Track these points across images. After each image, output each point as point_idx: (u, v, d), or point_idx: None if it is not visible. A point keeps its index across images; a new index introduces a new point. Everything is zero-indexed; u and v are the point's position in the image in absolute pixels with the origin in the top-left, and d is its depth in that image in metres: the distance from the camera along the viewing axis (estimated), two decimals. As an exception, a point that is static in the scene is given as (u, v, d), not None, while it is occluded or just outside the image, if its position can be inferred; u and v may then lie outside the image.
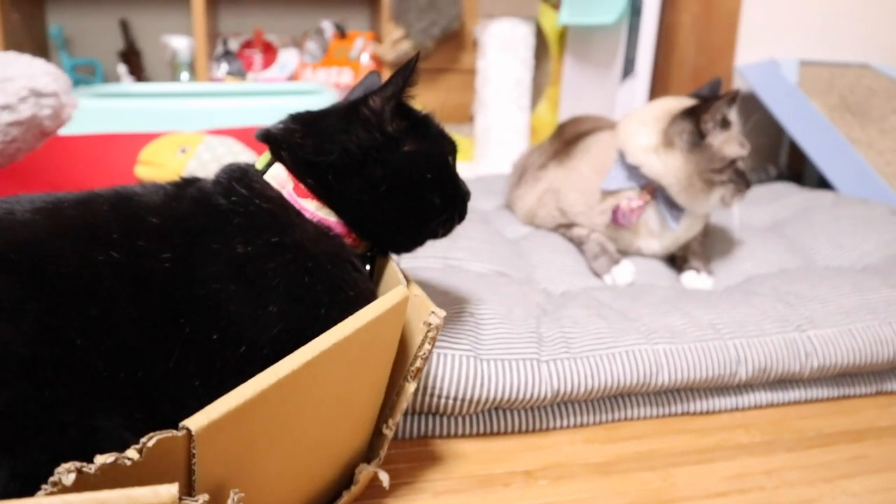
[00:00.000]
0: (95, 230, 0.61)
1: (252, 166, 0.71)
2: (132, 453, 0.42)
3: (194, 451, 0.44)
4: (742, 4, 2.13)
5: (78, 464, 0.41)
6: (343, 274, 0.66)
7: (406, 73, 0.68)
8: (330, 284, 0.64)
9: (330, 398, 0.60)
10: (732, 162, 1.14)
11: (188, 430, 0.44)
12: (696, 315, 0.99)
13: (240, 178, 0.68)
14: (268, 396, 0.49)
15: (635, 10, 2.05)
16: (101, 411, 0.54)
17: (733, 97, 1.13)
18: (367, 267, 0.73)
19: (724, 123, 1.15)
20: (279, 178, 0.68)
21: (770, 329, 0.98)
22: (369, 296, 0.68)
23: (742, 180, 1.16)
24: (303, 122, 0.70)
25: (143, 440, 0.43)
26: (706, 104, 1.13)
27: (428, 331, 0.66)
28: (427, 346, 0.67)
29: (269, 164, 0.70)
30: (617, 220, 1.21)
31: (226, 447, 0.48)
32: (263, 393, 0.48)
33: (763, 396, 0.98)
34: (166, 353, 0.58)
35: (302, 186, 0.68)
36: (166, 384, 0.58)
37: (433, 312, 0.66)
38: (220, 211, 0.65)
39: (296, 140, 0.69)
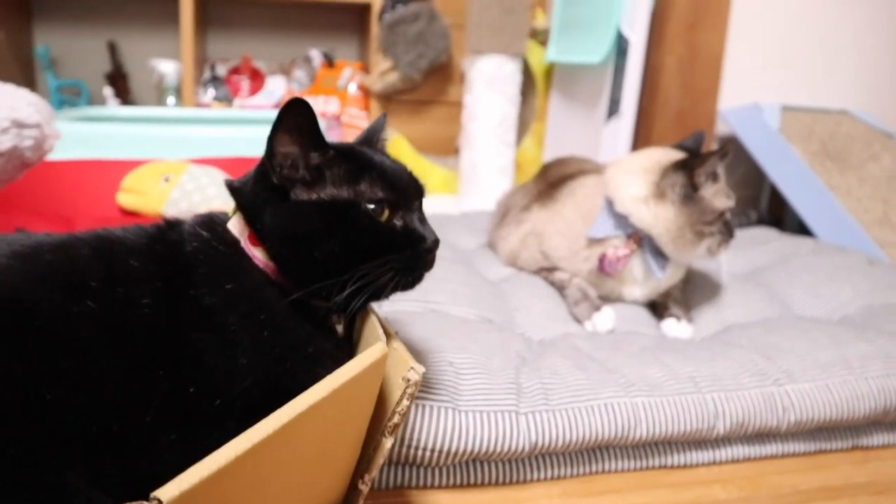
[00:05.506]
0: (73, 277, 0.60)
1: (221, 215, 0.72)
2: (100, 525, 0.41)
3: (164, 522, 0.44)
4: (726, 48, 2.17)
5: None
6: (297, 328, 0.66)
7: (277, 121, 0.65)
8: (289, 340, 0.65)
9: (306, 457, 0.59)
10: (722, 214, 1.16)
11: (159, 501, 0.43)
12: (675, 367, 0.99)
13: (203, 223, 0.70)
14: (242, 462, 0.48)
15: (621, 51, 2.07)
16: (71, 468, 0.54)
17: (725, 153, 1.14)
18: (336, 322, 0.73)
19: (714, 176, 1.16)
20: (237, 226, 0.70)
21: (748, 383, 0.98)
22: (330, 349, 0.68)
23: (728, 231, 1.18)
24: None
25: (112, 512, 0.42)
26: (700, 159, 1.15)
27: (406, 387, 0.66)
28: (405, 402, 0.66)
29: (234, 213, 0.71)
30: (603, 268, 1.21)
31: (197, 515, 0.47)
32: (238, 459, 0.47)
33: (740, 450, 0.99)
34: (143, 407, 0.57)
35: (254, 235, 0.68)
36: (142, 439, 0.57)
37: (412, 368, 0.65)
38: (190, 257, 0.66)
39: (243, 189, 0.70)
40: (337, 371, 0.58)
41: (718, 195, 1.16)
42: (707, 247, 1.18)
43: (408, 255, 0.69)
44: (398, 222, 0.70)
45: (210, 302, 0.63)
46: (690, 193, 1.16)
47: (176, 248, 0.67)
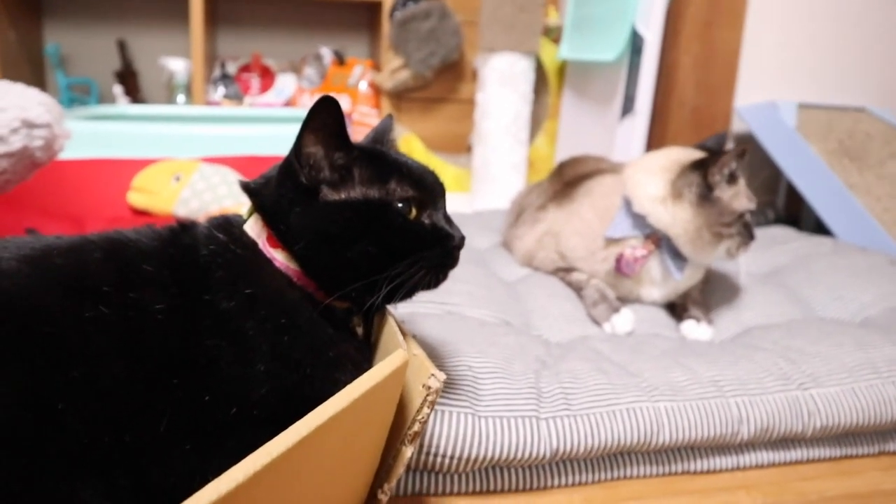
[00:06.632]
0: (85, 282, 0.58)
1: (237, 217, 0.71)
2: (115, 544, 0.39)
3: (181, 541, 0.42)
4: (742, 46, 2.14)
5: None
6: (318, 332, 0.65)
7: (306, 120, 0.64)
8: (309, 345, 0.63)
9: (325, 468, 0.57)
10: (741, 216, 1.13)
11: (176, 518, 0.41)
12: (698, 370, 0.97)
13: (220, 226, 0.68)
14: (261, 477, 0.46)
15: (636, 48, 2.05)
16: (82, 480, 0.52)
17: (741, 153, 1.12)
18: (357, 325, 0.71)
19: (732, 178, 1.14)
20: (255, 228, 0.68)
21: (772, 387, 0.96)
22: (352, 353, 0.67)
23: (748, 233, 1.15)
24: (274, 171, 0.69)
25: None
26: (714, 158, 1.12)
27: (427, 394, 0.64)
28: (426, 410, 0.64)
29: (250, 214, 0.69)
30: (620, 269, 1.19)
31: (214, 531, 0.45)
32: (257, 474, 0.45)
33: (764, 456, 0.96)
34: (157, 416, 0.56)
35: (273, 236, 0.67)
36: (156, 449, 0.56)
37: (433, 375, 0.64)
38: (207, 261, 0.64)
39: (262, 190, 0.68)
40: (357, 380, 0.56)
41: (738, 197, 1.14)
42: (726, 248, 1.16)
43: (437, 252, 0.68)
44: (426, 220, 0.69)
45: (227, 307, 0.61)
46: (706, 193, 1.13)
47: (190, 251, 0.65)
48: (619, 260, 1.19)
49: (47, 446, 0.51)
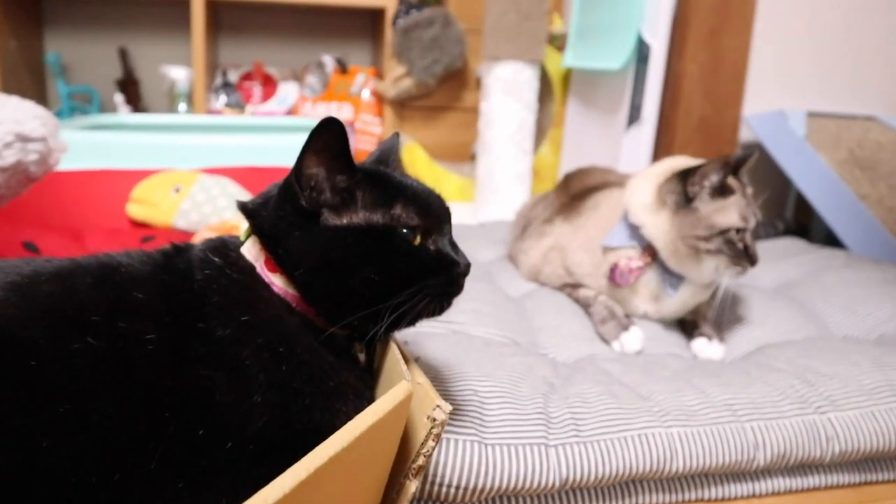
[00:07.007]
0: (73, 311, 0.56)
1: (234, 238, 0.68)
2: None
3: None
4: (749, 54, 2.11)
5: None
6: (318, 360, 0.62)
7: (308, 141, 0.61)
8: (309, 374, 0.60)
9: (324, 509, 0.54)
10: (723, 231, 1.08)
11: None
12: (711, 393, 0.94)
13: (215, 248, 0.65)
14: (255, 525, 0.43)
15: (642, 57, 2.02)
16: (69, 524, 0.49)
17: (723, 164, 1.07)
18: (359, 351, 0.68)
19: (722, 191, 1.09)
20: (252, 250, 0.65)
21: (789, 410, 0.93)
22: (353, 382, 0.64)
23: (735, 252, 1.08)
24: (273, 191, 0.67)
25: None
26: (697, 167, 1.09)
27: (432, 426, 0.61)
28: (431, 443, 0.61)
29: (248, 236, 0.67)
30: (614, 278, 1.16)
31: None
32: (251, 523, 0.42)
33: (781, 482, 0.93)
34: (148, 452, 0.53)
35: (272, 260, 0.64)
36: (147, 487, 0.53)
37: (438, 406, 0.61)
38: (201, 286, 0.61)
39: (261, 211, 0.66)
40: (359, 416, 0.53)
41: (723, 211, 1.08)
42: (714, 266, 1.11)
43: (442, 280, 0.65)
44: (431, 247, 0.66)
45: (222, 335, 0.58)
46: (684, 203, 1.10)
47: (184, 276, 0.62)
48: (613, 270, 1.16)
49: (31, 486, 0.48)
